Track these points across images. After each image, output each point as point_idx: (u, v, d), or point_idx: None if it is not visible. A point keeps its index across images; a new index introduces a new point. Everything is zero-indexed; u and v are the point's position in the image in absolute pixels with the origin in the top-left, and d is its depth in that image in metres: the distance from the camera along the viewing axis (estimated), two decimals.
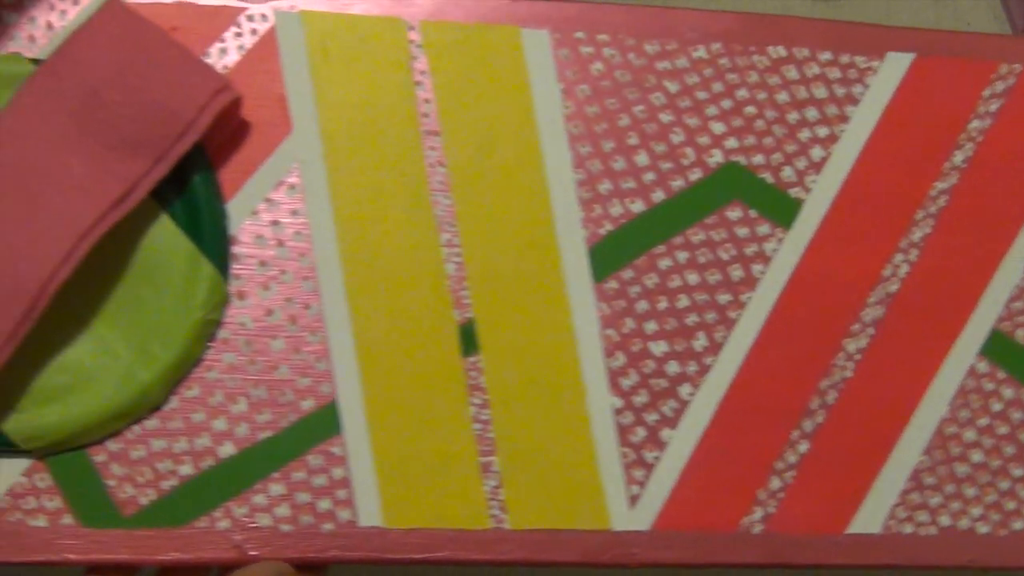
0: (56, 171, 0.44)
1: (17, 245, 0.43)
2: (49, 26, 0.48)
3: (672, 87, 0.51)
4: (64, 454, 0.45)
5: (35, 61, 0.47)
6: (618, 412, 0.48)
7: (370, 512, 0.46)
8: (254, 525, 0.46)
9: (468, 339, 0.48)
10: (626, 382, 0.49)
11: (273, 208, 0.48)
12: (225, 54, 0.49)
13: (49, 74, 0.45)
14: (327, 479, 0.46)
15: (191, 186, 0.47)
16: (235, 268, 0.47)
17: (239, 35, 0.49)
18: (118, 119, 0.45)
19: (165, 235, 0.47)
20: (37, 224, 0.44)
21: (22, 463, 0.45)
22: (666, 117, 0.51)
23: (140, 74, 0.45)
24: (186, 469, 0.46)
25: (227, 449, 0.46)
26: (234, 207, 0.48)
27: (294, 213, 0.48)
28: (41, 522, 0.44)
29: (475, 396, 0.48)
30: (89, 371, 0.45)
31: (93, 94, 0.45)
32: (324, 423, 0.47)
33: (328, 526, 0.46)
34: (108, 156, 0.45)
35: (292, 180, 0.48)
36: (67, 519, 0.45)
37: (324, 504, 0.46)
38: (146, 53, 0.46)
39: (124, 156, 0.45)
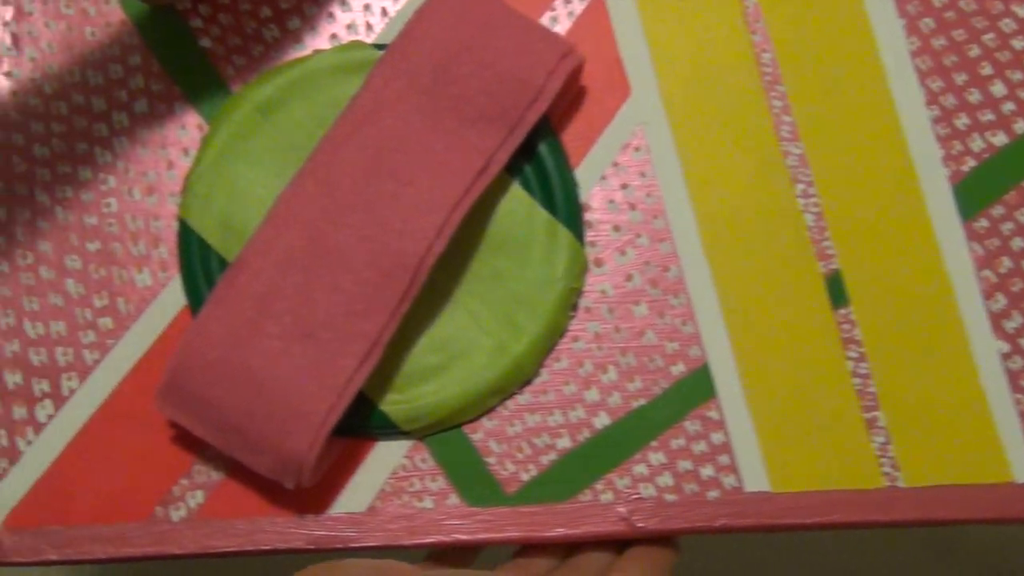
0: (417, 148, 0.44)
1: (390, 223, 0.43)
2: (384, 12, 0.48)
3: (1021, 11, 0.48)
4: (442, 434, 0.44)
5: (377, 46, 0.47)
6: (1006, 357, 0.45)
7: (755, 476, 0.44)
8: (638, 496, 0.44)
9: (836, 291, 0.46)
10: (1010, 324, 0.45)
11: (621, 172, 0.47)
12: (556, 22, 0.48)
13: (398, 55, 0.45)
14: (707, 445, 0.44)
15: (539, 156, 0.46)
16: (589, 235, 0.46)
17: (567, 2, 0.48)
18: (469, 92, 0.45)
19: (519, 206, 0.46)
20: (406, 201, 0.43)
21: (403, 445, 0.44)
22: (1019, 43, 0.48)
23: (486, 46, 0.45)
24: (563, 443, 0.44)
25: (602, 420, 0.45)
26: (582, 174, 0.47)
27: (643, 175, 0.47)
28: (428, 503, 0.44)
29: (850, 349, 0.45)
30: (462, 348, 0.44)
31: (443, 70, 0.45)
32: (697, 387, 0.45)
33: (714, 493, 0.44)
34: (464, 129, 0.44)
35: (637, 142, 0.47)
36: (452, 499, 0.44)
37: (707, 471, 0.44)
38: (489, 25, 0.45)
39: (479, 128, 0.44)
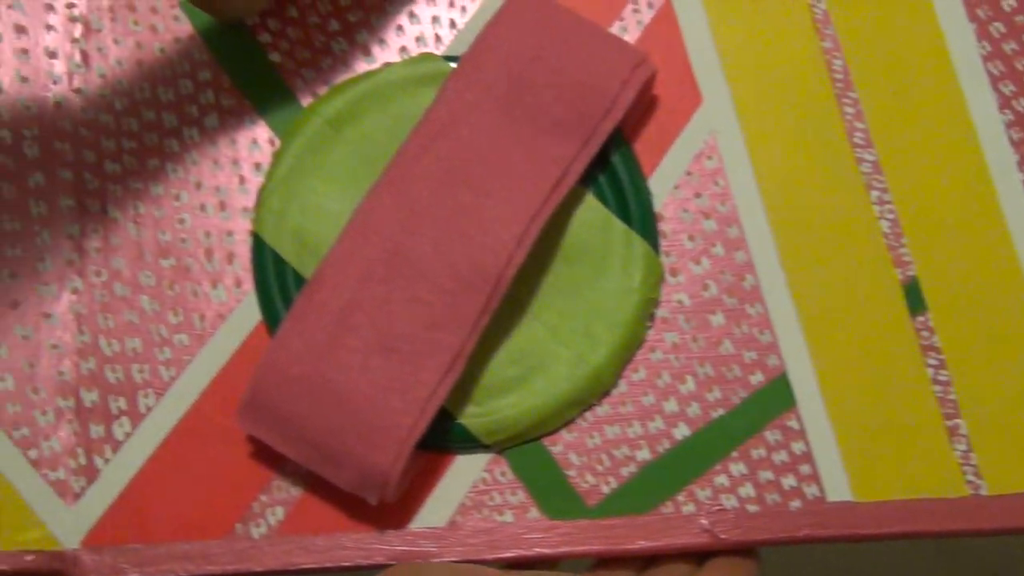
0: (494, 159, 0.44)
1: (470, 234, 0.43)
2: (452, 24, 0.48)
3: None
4: (522, 446, 0.44)
5: (447, 58, 0.47)
6: None
7: (837, 486, 0.44)
8: (720, 507, 0.44)
9: (914, 297, 0.45)
10: None
11: (694, 181, 0.47)
12: (626, 32, 0.48)
13: (472, 66, 0.45)
14: (788, 455, 0.44)
15: (612, 165, 0.46)
16: (664, 245, 0.46)
17: (636, 11, 0.48)
18: (544, 102, 0.44)
19: (594, 217, 0.46)
20: (485, 213, 0.43)
21: (483, 458, 0.44)
22: None
23: (560, 55, 0.45)
24: (643, 454, 0.44)
25: (682, 431, 0.44)
26: (655, 183, 0.46)
27: (716, 184, 0.46)
28: (508, 517, 0.43)
29: (930, 357, 0.45)
30: (540, 360, 0.44)
31: (517, 80, 0.45)
32: (776, 397, 0.45)
33: (796, 503, 0.44)
34: (540, 140, 0.44)
35: (709, 151, 0.47)
36: (533, 512, 0.44)
37: (789, 481, 0.44)
38: (562, 35, 0.45)
39: (555, 138, 0.44)
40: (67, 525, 0.43)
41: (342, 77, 0.47)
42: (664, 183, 0.47)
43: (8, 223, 0.45)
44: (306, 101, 0.47)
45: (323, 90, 0.47)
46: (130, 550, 0.43)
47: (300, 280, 0.45)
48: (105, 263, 0.45)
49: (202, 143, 0.47)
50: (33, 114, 0.46)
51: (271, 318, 0.45)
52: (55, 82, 0.47)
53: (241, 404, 0.42)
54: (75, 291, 0.45)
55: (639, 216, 0.46)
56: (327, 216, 0.45)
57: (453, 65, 0.47)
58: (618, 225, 0.45)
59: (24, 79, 0.47)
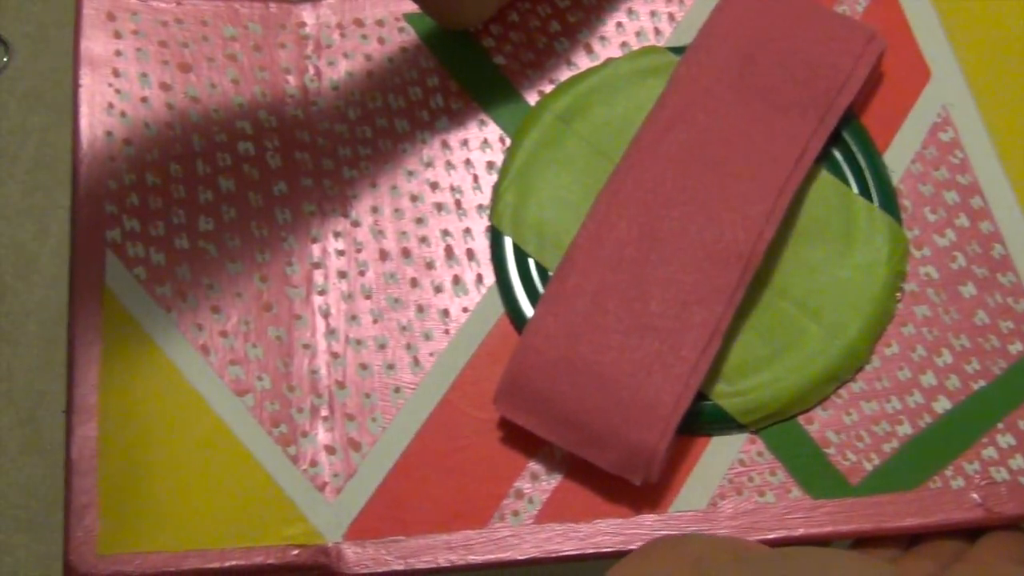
0: (734, 140, 0.44)
1: (718, 213, 0.43)
2: (671, 17, 0.49)
3: None
4: (776, 426, 0.43)
5: (671, 50, 0.48)
6: None
7: None
8: (991, 481, 0.42)
9: None
10: None
11: (930, 154, 0.46)
12: (847, 12, 0.48)
13: (702, 52, 0.45)
14: None
15: (845, 142, 0.46)
16: (906, 219, 0.45)
17: None
18: (778, 82, 0.45)
19: (832, 193, 0.45)
20: (731, 191, 0.43)
21: (738, 439, 0.43)
22: None
23: (790, 35, 0.45)
24: (904, 429, 0.43)
25: (942, 404, 0.43)
26: (890, 158, 0.46)
27: (953, 156, 0.46)
28: (770, 498, 0.43)
29: None
30: (791, 337, 0.44)
31: (749, 62, 0.45)
32: None
33: None
34: (777, 118, 0.44)
35: (944, 124, 0.46)
36: (795, 492, 0.43)
37: None
38: (790, 15, 0.45)
39: (791, 117, 0.44)
40: (328, 519, 0.43)
41: (566, 75, 0.48)
42: (900, 158, 0.46)
43: (256, 230, 0.47)
44: (532, 100, 0.48)
45: (548, 88, 0.48)
46: (392, 542, 0.43)
47: (541, 270, 0.45)
48: (349, 265, 0.46)
49: (435, 146, 0.48)
50: (273, 127, 0.48)
51: (514, 310, 0.45)
52: (291, 96, 0.49)
53: (499, 389, 0.42)
54: (322, 292, 0.46)
55: (879, 190, 0.45)
56: (565, 206, 0.46)
57: (677, 57, 0.47)
58: (858, 200, 0.45)
59: (263, 95, 0.49)
